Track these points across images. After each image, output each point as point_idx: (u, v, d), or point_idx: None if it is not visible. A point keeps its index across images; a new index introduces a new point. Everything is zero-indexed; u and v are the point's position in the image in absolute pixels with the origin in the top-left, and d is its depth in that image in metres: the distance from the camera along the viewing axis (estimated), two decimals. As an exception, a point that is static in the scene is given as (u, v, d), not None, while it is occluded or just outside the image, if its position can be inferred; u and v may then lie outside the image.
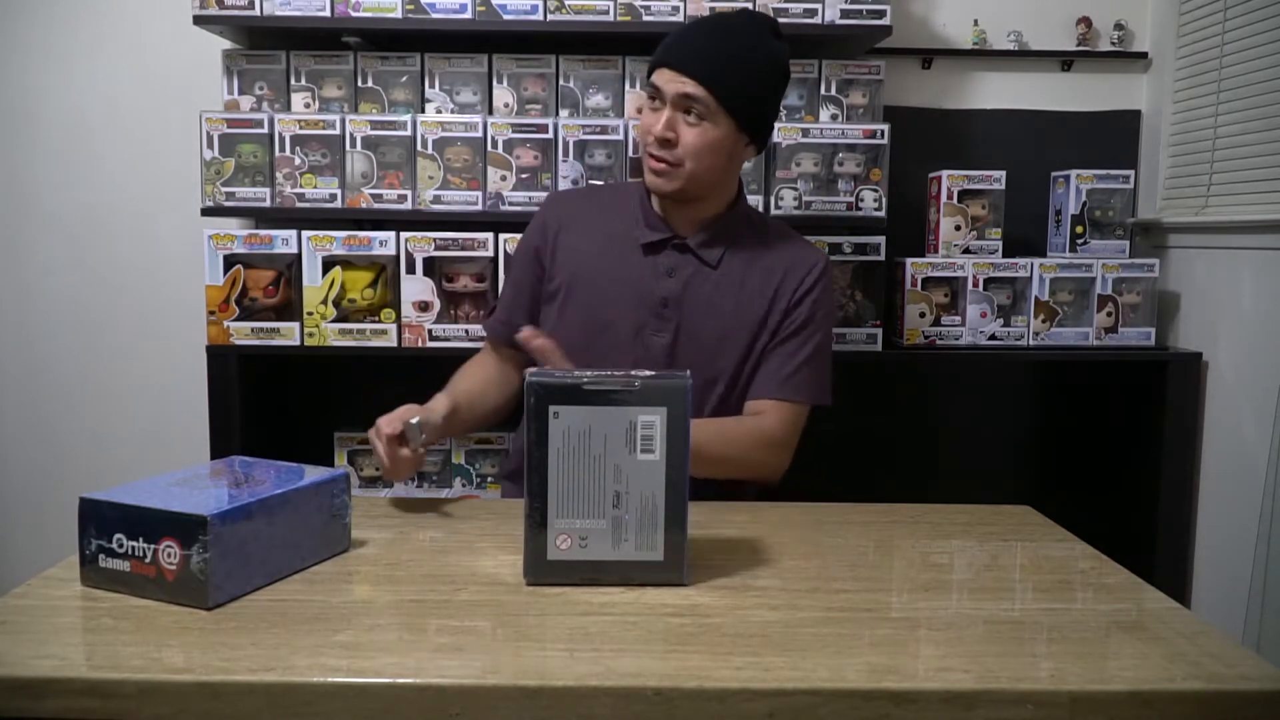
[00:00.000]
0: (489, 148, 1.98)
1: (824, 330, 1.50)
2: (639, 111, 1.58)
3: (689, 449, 1.02)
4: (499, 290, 1.83)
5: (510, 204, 1.98)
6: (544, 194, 1.95)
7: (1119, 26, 2.28)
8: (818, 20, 1.99)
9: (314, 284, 1.94)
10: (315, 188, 2.00)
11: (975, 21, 2.28)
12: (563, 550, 1.02)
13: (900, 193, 2.09)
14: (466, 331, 1.95)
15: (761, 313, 1.47)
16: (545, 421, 1.01)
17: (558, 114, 2.07)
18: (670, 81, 1.39)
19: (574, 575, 1.02)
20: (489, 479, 2.11)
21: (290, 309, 1.95)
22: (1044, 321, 2.06)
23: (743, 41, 1.42)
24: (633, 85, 2.07)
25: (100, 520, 0.97)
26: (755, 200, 2.00)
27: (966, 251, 2.08)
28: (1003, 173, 2.08)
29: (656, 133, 1.40)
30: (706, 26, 1.45)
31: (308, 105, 2.08)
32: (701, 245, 1.48)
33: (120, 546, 0.96)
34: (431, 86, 2.08)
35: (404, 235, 1.94)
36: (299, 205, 2.00)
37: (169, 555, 0.93)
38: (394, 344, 1.95)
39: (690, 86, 1.38)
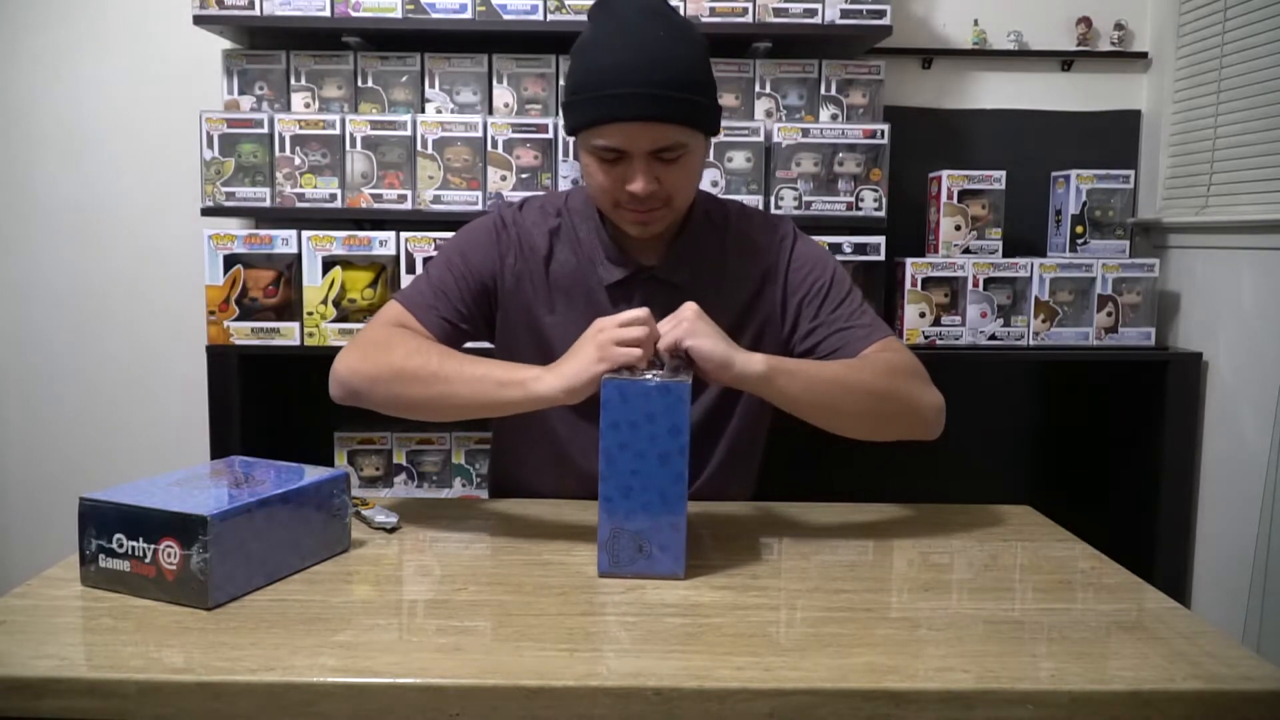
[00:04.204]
0: (489, 148, 1.98)
1: (838, 271, 1.41)
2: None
3: (687, 448, 1.01)
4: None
5: (510, 204, 1.98)
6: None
7: (1119, 26, 2.28)
8: (818, 20, 1.99)
9: (314, 284, 1.94)
10: (315, 188, 2.00)
11: (975, 21, 2.28)
12: None
13: (900, 193, 2.09)
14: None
15: (740, 311, 1.36)
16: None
17: (558, 114, 2.07)
18: (637, 137, 1.19)
19: None
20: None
21: (290, 309, 1.95)
22: (1044, 321, 2.06)
23: (679, 46, 1.21)
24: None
25: (100, 520, 0.97)
26: (755, 200, 2.00)
27: (966, 251, 2.08)
28: (1003, 173, 2.08)
29: (639, 190, 1.21)
30: (641, 50, 1.18)
31: (308, 105, 2.08)
32: (668, 269, 1.34)
33: (120, 546, 0.96)
34: (431, 86, 2.08)
35: (404, 235, 1.94)
36: (299, 205, 2.00)
37: (169, 555, 0.93)
38: (394, 344, 1.95)
39: (669, 135, 1.20)
